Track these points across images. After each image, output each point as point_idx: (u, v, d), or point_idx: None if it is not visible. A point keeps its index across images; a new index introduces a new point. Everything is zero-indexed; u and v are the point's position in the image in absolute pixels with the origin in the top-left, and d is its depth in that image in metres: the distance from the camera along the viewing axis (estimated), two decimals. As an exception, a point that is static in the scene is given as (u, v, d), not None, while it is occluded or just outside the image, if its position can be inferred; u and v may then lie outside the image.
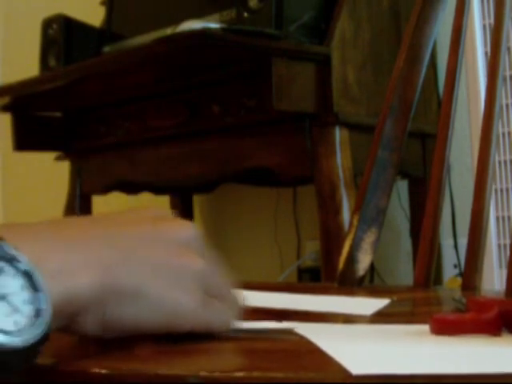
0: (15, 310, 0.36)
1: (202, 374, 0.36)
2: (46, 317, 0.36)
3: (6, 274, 0.36)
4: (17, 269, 0.37)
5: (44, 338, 0.36)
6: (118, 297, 0.40)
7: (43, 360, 0.38)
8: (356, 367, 0.35)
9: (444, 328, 0.45)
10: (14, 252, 0.37)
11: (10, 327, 0.35)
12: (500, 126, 1.54)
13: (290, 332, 0.46)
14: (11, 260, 0.37)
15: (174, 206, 2.28)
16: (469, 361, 0.38)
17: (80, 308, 0.39)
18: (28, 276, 0.37)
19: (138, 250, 0.42)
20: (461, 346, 0.42)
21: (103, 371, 0.37)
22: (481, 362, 0.37)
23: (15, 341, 0.35)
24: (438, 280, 1.74)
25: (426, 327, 0.46)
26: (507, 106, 1.57)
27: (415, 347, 0.42)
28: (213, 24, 1.47)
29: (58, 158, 2.03)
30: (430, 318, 0.46)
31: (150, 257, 0.42)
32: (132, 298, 0.41)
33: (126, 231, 0.43)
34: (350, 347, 0.42)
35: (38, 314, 0.36)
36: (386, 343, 0.44)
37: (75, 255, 0.40)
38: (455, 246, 1.77)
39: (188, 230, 0.45)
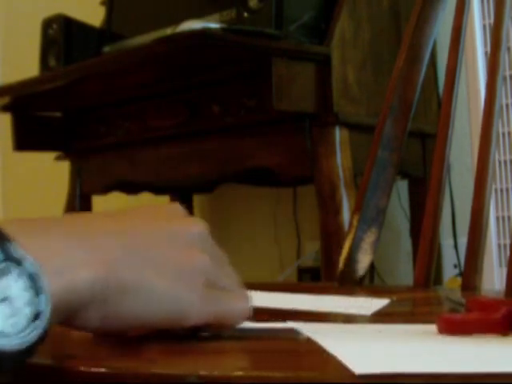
0: (16, 312, 0.36)
1: (202, 373, 0.36)
2: (45, 319, 0.36)
3: (11, 275, 0.36)
4: (23, 270, 0.36)
5: (40, 340, 0.36)
6: (120, 292, 0.41)
7: (42, 359, 0.38)
8: (359, 366, 0.34)
9: (452, 328, 0.45)
10: (21, 253, 0.37)
11: (8, 329, 0.35)
12: (500, 125, 1.54)
13: (295, 332, 0.46)
14: (19, 261, 0.36)
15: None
16: (475, 360, 0.37)
17: (80, 303, 0.40)
18: (32, 278, 0.37)
19: (144, 247, 0.43)
20: (470, 345, 0.42)
21: (102, 370, 0.37)
22: (489, 362, 0.37)
23: (12, 343, 0.35)
24: (438, 280, 1.73)
25: (430, 327, 0.46)
26: (507, 105, 1.57)
27: (421, 346, 0.42)
28: (213, 24, 1.47)
29: (58, 158, 2.03)
30: (438, 317, 0.46)
31: (155, 254, 0.43)
32: (133, 293, 0.41)
33: (137, 228, 0.44)
34: (353, 347, 0.42)
35: (37, 316, 0.36)
36: (391, 342, 0.44)
37: (80, 252, 0.40)
38: (455, 246, 1.77)
39: (195, 227, 0.45)
